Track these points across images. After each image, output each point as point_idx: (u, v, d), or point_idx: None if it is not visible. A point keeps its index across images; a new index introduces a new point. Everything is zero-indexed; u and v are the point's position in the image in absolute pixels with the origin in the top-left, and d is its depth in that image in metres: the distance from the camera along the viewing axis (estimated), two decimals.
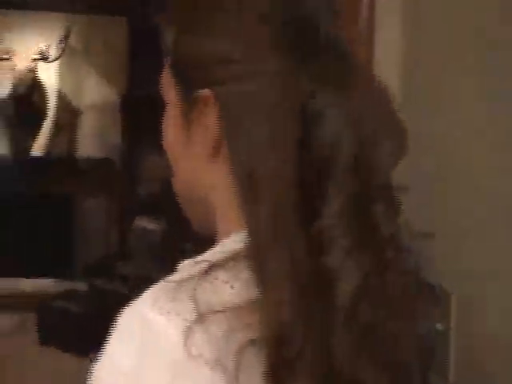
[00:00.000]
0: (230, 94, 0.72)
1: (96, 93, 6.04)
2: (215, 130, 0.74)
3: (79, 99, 6.04)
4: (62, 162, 5.97)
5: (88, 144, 6.03)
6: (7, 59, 5.86)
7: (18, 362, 4.65)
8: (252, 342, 0.63)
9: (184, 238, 4.35)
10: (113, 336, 0.70)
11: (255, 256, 0.65)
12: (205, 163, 0.76)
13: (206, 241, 0.79)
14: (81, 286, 5.57)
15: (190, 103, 0.76)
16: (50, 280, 6.01)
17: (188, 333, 0.63)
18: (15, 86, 5.89)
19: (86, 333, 4.80)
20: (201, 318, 0.63)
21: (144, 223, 5.62)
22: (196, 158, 0.78)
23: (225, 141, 0.74)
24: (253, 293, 0.65)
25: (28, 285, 6.00)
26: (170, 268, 0.74)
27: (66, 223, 6.12)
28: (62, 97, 5.98)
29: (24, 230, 6.12)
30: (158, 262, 5.16)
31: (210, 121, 0.74)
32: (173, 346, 0.64)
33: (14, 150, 5.97)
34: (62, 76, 5.99)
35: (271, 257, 0.63)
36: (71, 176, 5.97)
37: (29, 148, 5.96)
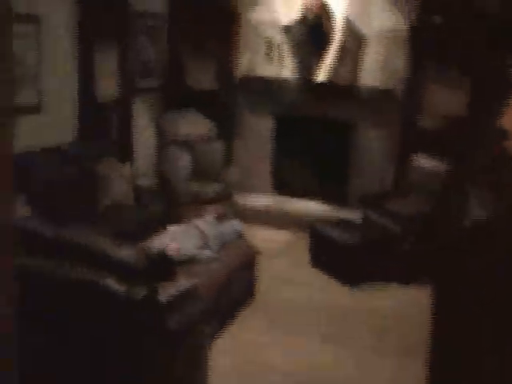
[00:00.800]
0: None
1: (383, 20, 5.83)
2: None
3: (365, 26, 5.90)
4: (344, 89, 5.96)
5: (371, 72, 5.89)
6: None
7: (286, 280, 4.89)
8: None
9: (468, 180, 4.04)
10: None
11: None
12: None
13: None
14: (351, 215, 5.64)
15: None
16: (322, 204, 6.16)
17: None
18: (304, 11, 5.96)
19: (354, 263, 4.82)
20: None
21: (424, 161, 5.35)
22: None
23: None
24: None
25: (301, 205, 6.21)
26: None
27: (344, 150, 6.16)
28: (348, 23, 5.88)
29: (303, 151, 6.32)
30: (436, 204, 4.90)
31: None
32: None
33: (299, 75, 6.08)
34: (349, 1, 5.90)
35: None
36: (352, 104, 5.96)
37: (313, 73, 6.02)
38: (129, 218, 4.94)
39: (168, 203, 5.44)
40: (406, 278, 4.76)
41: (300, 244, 5.45)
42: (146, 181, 5.77)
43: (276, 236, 5.85)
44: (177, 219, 4.87)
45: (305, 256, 5.18)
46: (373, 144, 6.04)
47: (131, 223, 4.86)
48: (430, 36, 5.48)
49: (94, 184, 4.86)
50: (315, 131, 6.22)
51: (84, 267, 2.72)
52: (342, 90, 5.96)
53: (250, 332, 4.03)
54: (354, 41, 5.91)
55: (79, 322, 2.74)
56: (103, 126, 5.53)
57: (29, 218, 3.48)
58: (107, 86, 5.46)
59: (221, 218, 4.72)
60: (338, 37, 5.93)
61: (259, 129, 6.43)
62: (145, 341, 2.69)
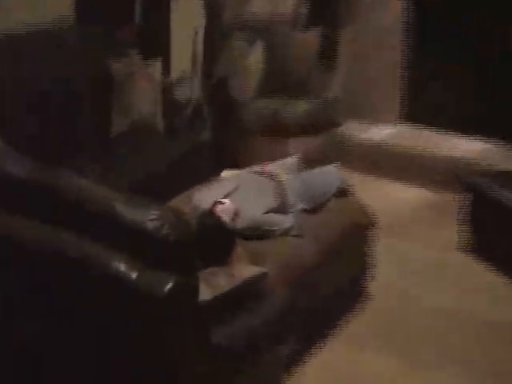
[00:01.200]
0: None
1: None
2: None
3: None
4: None
5: None
6: None
7: (418, 270, 4.89)
8: None
9: None
10: None
11: None
12: None
13: None
14: None
15: None
16: (484, 144, 6.15)
17: None
18: None
19: None
20: None
21: None
22: None
23: None
24: None
25: (447, 145, 6.26)
26: None
27: None
28: None
29: (454, 56, 6.29)
30: None
31: None
32: None
33: None
34: None
35: None
36: None
37: None
38: (155, 155, 5.01)
39: (222, 131, 5.51)
40: None
41: (444, 209, 5.48)
42: (187, 91, 5.77)
43: (403, 194, 5.90)
44: (236, 160, 4.91)
45: (451, 229, 5.15)
46: None
47: (159, 163, 4.93)
48: None
49: (103, 94, 4.96)
50: (478, 22, 6.12)
51: (77, 234, 2.78)
52: None
53: (352, 352, 4.05)
54: None
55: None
56: (121, 1, 5.63)
57: None
58: None
59: (312, 160, 4.71)
60: None
61: (382, 12, 6.37)
62: (172, 363, 2.73)
